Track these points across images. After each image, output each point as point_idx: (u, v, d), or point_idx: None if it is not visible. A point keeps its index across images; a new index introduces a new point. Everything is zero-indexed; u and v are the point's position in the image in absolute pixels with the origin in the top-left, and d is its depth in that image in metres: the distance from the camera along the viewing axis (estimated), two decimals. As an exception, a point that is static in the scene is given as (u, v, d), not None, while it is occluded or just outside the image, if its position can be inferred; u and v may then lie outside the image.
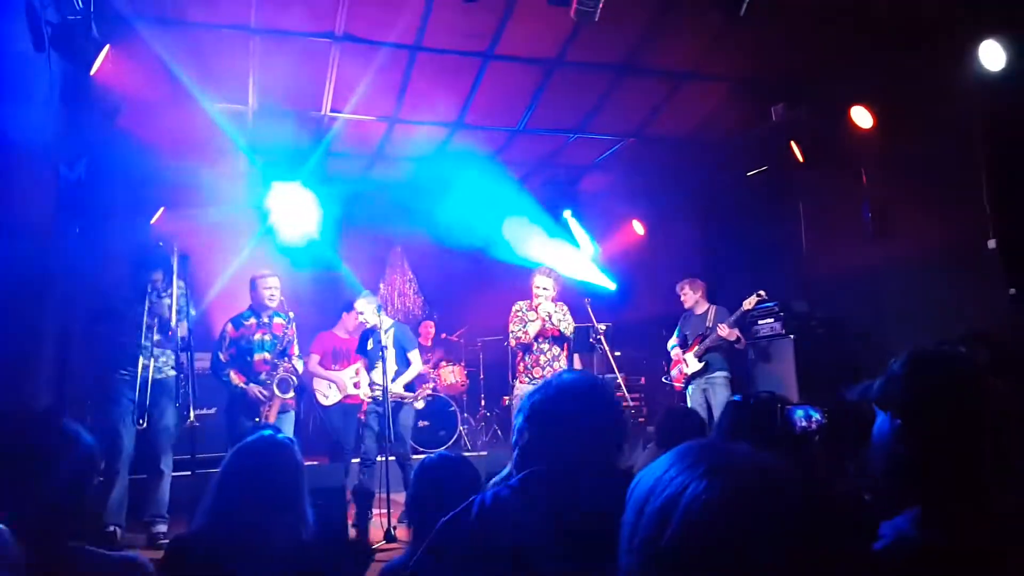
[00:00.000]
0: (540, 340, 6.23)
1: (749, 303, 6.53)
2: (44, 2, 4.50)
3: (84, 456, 1.79)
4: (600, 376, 2.52)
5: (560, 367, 6.20)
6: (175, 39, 5.90)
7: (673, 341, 7.16)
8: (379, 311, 6.27)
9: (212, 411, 6.56)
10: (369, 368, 6.35)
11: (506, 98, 7.24)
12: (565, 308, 6.38)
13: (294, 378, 5.62)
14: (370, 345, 6.30)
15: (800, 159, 6.78)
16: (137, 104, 5.85)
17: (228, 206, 7.72)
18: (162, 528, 5.07)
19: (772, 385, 6.71)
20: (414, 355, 6.50)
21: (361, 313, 6.34)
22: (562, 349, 6.33)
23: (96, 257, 5.17)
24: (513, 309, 6.35)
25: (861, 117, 6.13)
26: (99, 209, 5.65)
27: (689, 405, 6.75)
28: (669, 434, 3.38)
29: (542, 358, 6.21)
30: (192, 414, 5.25)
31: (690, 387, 6.85)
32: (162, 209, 7.16)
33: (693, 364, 6.78)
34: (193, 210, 7.48)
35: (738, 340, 6.62)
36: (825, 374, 6.03)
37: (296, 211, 7.95)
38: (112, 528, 4.83)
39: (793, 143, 6.81)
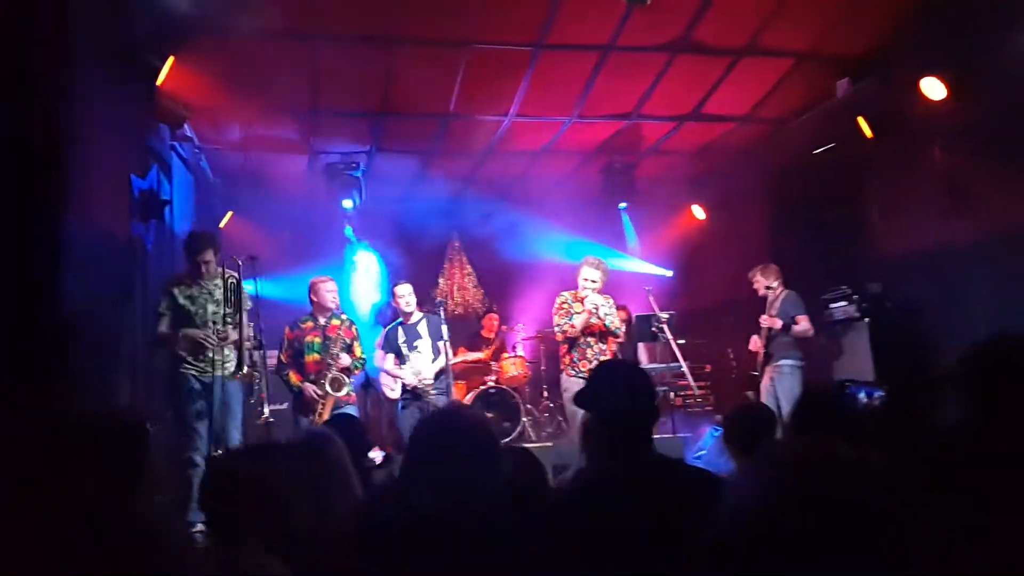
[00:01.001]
0: (586, 334, 6.11)
1: (838, 308, 6.38)
2: (113, 16, 4.63)
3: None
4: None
5: None
6: (237, 47, 6.01)
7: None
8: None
9: (284, 406, 6.71)
10: (403, 362, 6.34)
11: (559, 86, 7.18)
12: (611, 301, 6.25)
13: (345, 377, 5.73)
14: (402, 338, 6.31)
15: (869, 135, 6.54)
16: (202, 112, 5.99)
17: (294, 208, 7.86)
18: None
19: (847, 370, 6.54)
20: (444, 346, 6.46)
21: (402, 296, 6.32)
22: (606, 343, 6.20)
23: (165, 260, 5.30)
24: (558, 301, 6.23)
25: (932, 88, 5.87)
26: (169, 214, 5.80)
27: (763, 394, 6.61)
28: (737, 430, 3.31)
29: (589, 352, 6.08)
30: (267, 410, 5.41)
31: (764, 376, 6.70)
32: (230, 213, 7.32)
33: (762, 353, 6.65)
34: (260, 213, 7.64)
35: (788, 329, 6.39)
36: (903, 357, 5.83)
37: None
38: (199, 526, 4.94)
39: (861, 118, 6.57)
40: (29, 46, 3.45)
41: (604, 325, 6.07)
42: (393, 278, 7.90)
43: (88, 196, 3.97)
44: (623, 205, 9.39)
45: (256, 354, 5.69)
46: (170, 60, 5.07)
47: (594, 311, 5.97)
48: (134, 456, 2.46)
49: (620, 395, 2.36)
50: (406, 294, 6.32)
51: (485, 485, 1.81)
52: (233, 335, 5.12)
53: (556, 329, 6.17)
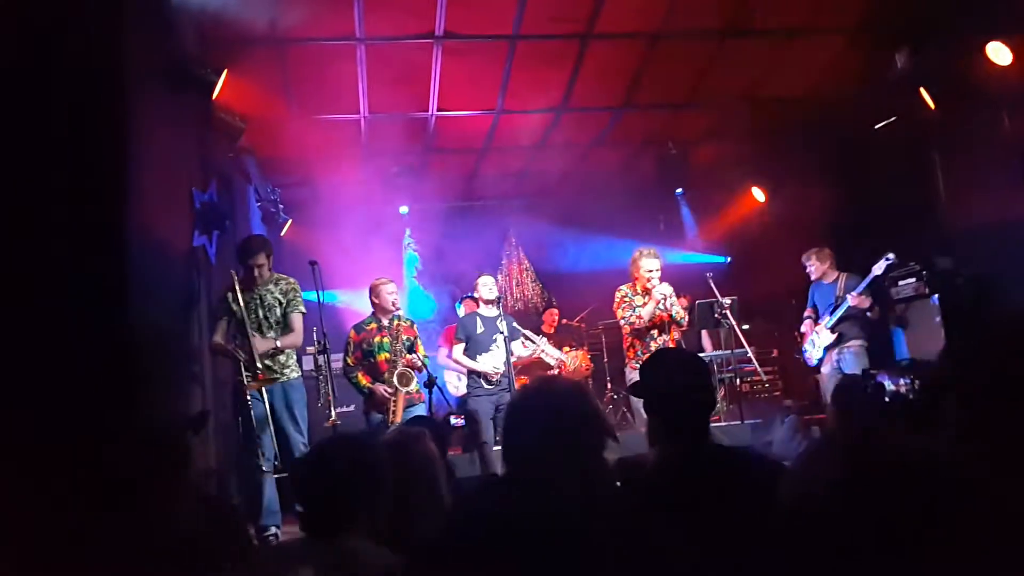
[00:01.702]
0: (650, 326, 6.06)
1: (879, 267, 6.18)
2: (167, 35, 4.80)
3: None
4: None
5: None
6: (287, 57, 6.17)
7: (808, 314, 6.85)
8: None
9: (351, 408, 6.82)
10: (480, 351, 6.30)
11: (609, 76, 7.13)
12: (670, 289, 6.20)
13: (412, 372, 5.74)
14: (480, 329, 6.30)
15: (931, 106, 6.30)
16: (257, 123, 6.15)
17: (352, 213, 7.99)
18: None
19: (918, 349, 6.33)
20: (516, 345, 6.48)
21: (485, 286, 6.31)
22: (669, 336, 6.14)
23: (227, 271, 5.43)
24: (617, 296, 6.20)
25: (998, 53, 5.62)
26: (231, 225, 5.96)
27: (825, 378, 6.46)
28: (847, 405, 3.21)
29: (652, 344, 6.03)
30: (333, 412, 5.50)
31: (825, 359, 6.54)
32: (290, 221, 7.50)
33: (826, 336, 6.47)
34: (320, 220, 7.80)
35: (871, 308, 6.26)
36: (976, 334, 5.60)
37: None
38: (273, 530, 5.07)
39: (922, 89, 6.34)
40: (89, 65, 3.60)
41: (670, 315, 6.04)
42: (444, 280, 7.98)
43: (151, 211, 4.12)
44: (679, 191, 9.27)
45: (320, 358, 5.80)
46: (224, 73, 5.21)
47: (662, 300, 5.95)
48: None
49: (671, 382, 2.34)
50: (490, 284, 6.34)
51: (592, 457, 1.81)
52: (264, 344, 5.15)
53: (622, 322, 6.15)
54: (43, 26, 3.50)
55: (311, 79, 6.48)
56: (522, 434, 1.85)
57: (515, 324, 6.55)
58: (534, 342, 6.57)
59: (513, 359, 6.34)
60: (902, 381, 2.53)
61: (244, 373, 5.04)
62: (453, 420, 5.87)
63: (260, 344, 5.10)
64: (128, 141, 3.81)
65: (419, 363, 5.82)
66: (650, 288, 6.00)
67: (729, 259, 9.89)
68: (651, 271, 6.02)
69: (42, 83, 3.43)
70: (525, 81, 6.90)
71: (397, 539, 2.07)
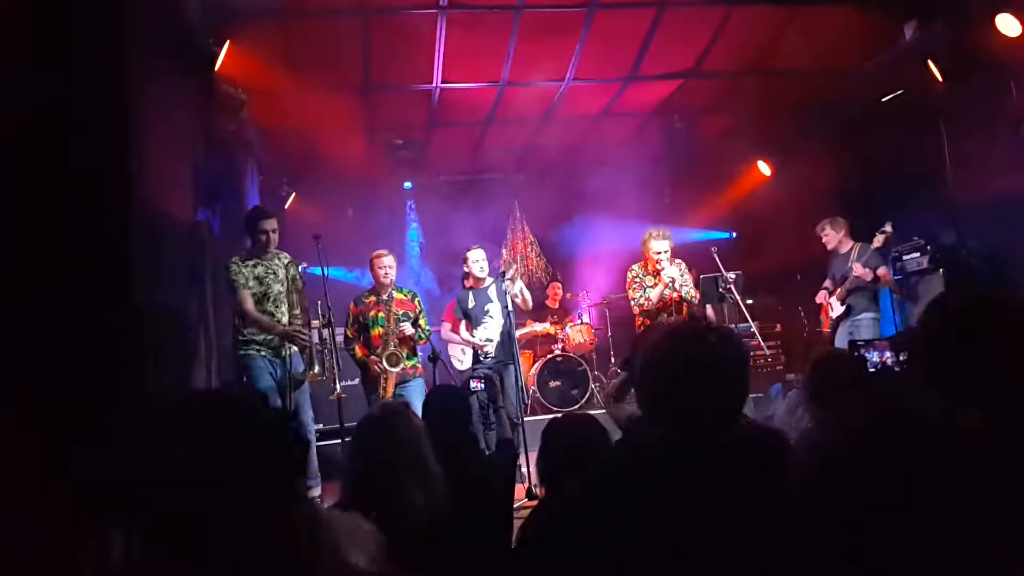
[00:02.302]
0: (661, 310, 6.08)
1: (878, 241, 6.20)
2: (170, 5, 4.76)
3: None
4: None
5: None
6: (290, 28, 6.12)
7: (827, 284, 6.85)
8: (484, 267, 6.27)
9: (356, 382, 6.86)
10: (474, 326, 6.27)
11: (615, 47, 7.06)
12: (683, 266, 6.20)
13: (401, 354, 5.71)
14: (471, 303, 6.28)
15: (939, 79, 6.24)
16: (260, 95, 6.12)
17: (356, 187, 7.98)
18: (316, 492, 5.37)
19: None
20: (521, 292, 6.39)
21: (476, 262, 6.21)
22: (682, 313, 6.15)
23: (232, 244, 5.44)
24: (629, 276, 6.23)
25: (1008, 24, 5.56)
26: (233, 198, 5.97)
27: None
28: (823, 384, 3.19)
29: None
30: (338, 386, 5.54)
31: (838, 331, 6.56)
32: (294, 195, 7.49)
33: (837, 308, 6.49)
34: (323, 194, 7.79)
35: (876, 279, 6.27)
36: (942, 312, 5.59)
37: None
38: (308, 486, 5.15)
39: (930, 62, 6.27)
40: (91, 34, 3.57)
41: (680, 295, 6.05)
42: (448, 254, 7.93)
43: (153, 183, 4.12)
44: None
45: (325, 332, 5.84)
46: (227, 45, 5.18)
47: (670, 283, 5.97)
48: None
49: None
50: (480, 259, 6.27)
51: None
52: (302, 333, 5.19)
53: (632, 303, 6.19)
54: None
55: (314, 51, 6.43)
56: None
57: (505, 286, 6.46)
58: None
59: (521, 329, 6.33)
60: (887, 354, 2.54)
61: (264, 344, 5.09)
62: (473, 384, 5.90)
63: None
64: (129, 113, 3.80)
65: (417, 336, 5.83)
66: (660, 270, 6.02)
67: (735, 234, 9.86)
68: (659, 253, 6.03)
69: (42, 52, 3.41)
70: (530, 52, 6.83)
71: (384, 515, 2.08)
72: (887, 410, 0.97)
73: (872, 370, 2.56)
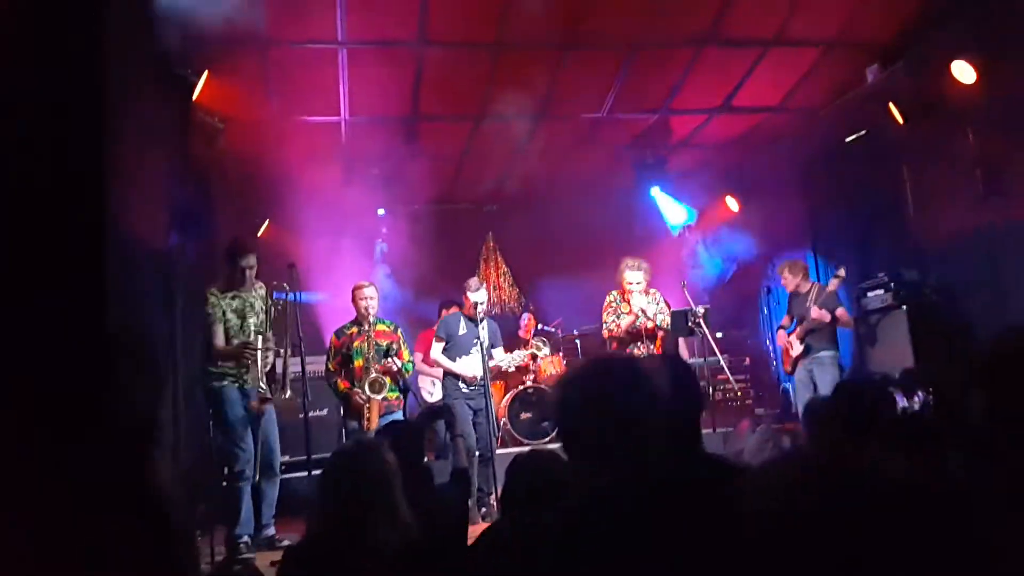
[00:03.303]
0: (633, 339, 6.14)
1: (833, 284, 6.38)
2: (149, 34, 4.79)
3: None
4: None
5: None
6: (269, 59, 6.18)
7: (784, 322, 6.99)
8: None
9: (324, 412, 6.81)
10: (460, 354, 6.25)
11: (589, 84, 7.21)
12: (658, 296, 6.27)
13: (385, 379, 5.67)
14: (462, 330, 6.25)
15: (900, 121, 6.47)
16: (238, 124, 6.15)
17: (331, 215, 8.00)
18: (272, 531, 5.25)
19: (887, 360, 6.46)
20: (498, 352, 6.49)
21: (481, 303, 6.15)
22: (654, 344, 6.23)
23: (204, 270, 5.42)
24: (607, 300, 6.31)
25: (963, 71, 5.79)
26: (207, 227, 5.95)
27: (797, 387, 6.58)
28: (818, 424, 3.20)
29: (635, 352, 6.15)
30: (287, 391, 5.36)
31: (797, 369, 6.68)
32: (268, 222, 7.50)
33: (796, 347, 6.62)
34: (298, 221, 7.80)
35: (834, 320, 6.41)
36: (943, 346, 5.75)
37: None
38: (245, 539, 5.02)
39: (891, 104, 6.50)
40: (66, 60, 3.60)
41: (656, 324, 6.12)
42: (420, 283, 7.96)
43: (127, 209, 4.12)
44: (654, 188, 9.31)
45: (295, 359, 5.78)
46: (205, 74, 5.23)
47: (640, 314, 6.03)
48: None
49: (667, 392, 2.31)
50: (483, 300, 6.18)
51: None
52: (271, 359, 5.12)
53: (604, 327, 6.25)
54: (21, 20, 3.50)
55: (292, 81, 6.49)
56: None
57: (497, 332, 6.54)
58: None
59: (497, 363, 6.37)
60: (918, 397, 2.48)
61: (235, 374, 5.04)
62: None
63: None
64: (105, 139, 3.82)
65: (395, 367, 5.75)
66: (627, 300, 6.11)
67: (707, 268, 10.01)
68: (631, 283, 6.12)
69: (17, 77, 3.43)
70: (506, 87, 6.95)
71: (352, 548, 2.08)
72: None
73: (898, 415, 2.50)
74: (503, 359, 6.47)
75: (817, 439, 2.94)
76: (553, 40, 6.45)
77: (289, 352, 5.40)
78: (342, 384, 5.73)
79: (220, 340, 5.08)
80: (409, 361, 5.99)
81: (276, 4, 5.44)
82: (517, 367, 6.96)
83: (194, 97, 5.21)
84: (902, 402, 2.67)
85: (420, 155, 8.28)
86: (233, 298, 5.15)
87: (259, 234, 7.48)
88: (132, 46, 4.48)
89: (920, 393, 2.64)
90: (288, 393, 5.22)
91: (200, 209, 5.63)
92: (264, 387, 5.08)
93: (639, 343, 6.18)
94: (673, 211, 9.31)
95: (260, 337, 5.14)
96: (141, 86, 4.72)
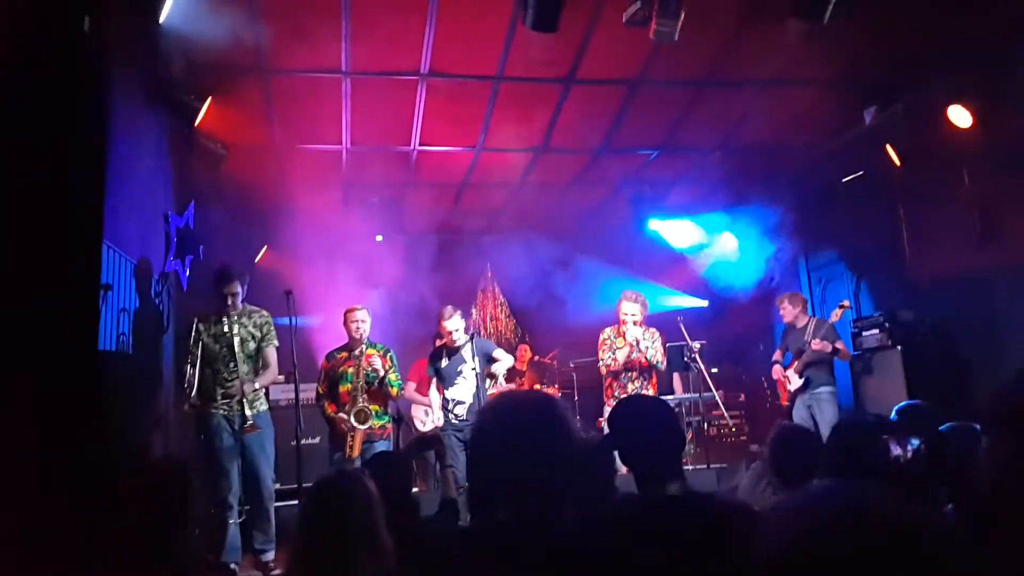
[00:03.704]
0: (628, 370, 6.15)
1: (836, 315, 6.40)
2: (153, 60, 4.86)
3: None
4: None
5: None
6: (273, 86, 6.24)
7: (776, 356, 6.99)
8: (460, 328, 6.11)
9: (316, 440, 6.77)
10: (447, 386, 6.14)
11: (589, 120, 7.27)
12: (655, 334, 6.28)
13: (372, 409, 5.61)
14: (444, 362, 6.15)
15: (897, 162, 6.53)
16: (240, 150, 6.19)
17: (330, 241, 8.02)
18: (270, 556, 5.23)
19: (881, 399, 6.46)
20: (499, 352, 6.34)
21: (456, 330, 6.05)
22: (648, 379, 6.23)
23: (201, 295, 5.42)
24: (601, 337, 6.32)
25: (959, 116, 5.86)
26: (206, 252, 5.96)
27: (795, 422, 6.55)
28: (782, 457, 3.22)
29: (630, 386, 6.14)
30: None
31: (796, 404, 6.66)
32: (265, 247, 7.51)
33: (795, 381, 6.61)
34: (296, 247, 7.82)
35: (835, 352, 6.42)
36: (937, 386, 5.75)
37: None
38: (233, 567, 4.99)
39: (888, 146, 6.56)
40: (72, 86, 3.63)
41: (647, 359, 6.12)
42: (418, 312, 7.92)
43: (126, 233, 4.14)
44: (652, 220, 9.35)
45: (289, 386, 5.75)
46: (208, 100, 5.28)
47: (635, 344, 6.04)
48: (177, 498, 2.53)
49: (645, 431, 2.32)
50: (458, 327, 6.07)
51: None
52: (249, 387, 5.09)
53: (600, 364, 6.25)
54: (28, 44, 3.54)
55: (295, 109, 6.55)
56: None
57: (488, 345, 6.38)
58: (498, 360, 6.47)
59: (496, 389, 6.32)
60: (910, 443, 2.47)
61: (222, 404, 5.02)
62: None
63: (247, 387, 5.06)
64: (108, 163, 3.84)
65: (389, 383, 5.69)
66: (623, 332, 6.12)
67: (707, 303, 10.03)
68: (627, 314, 6.13)
69: (24, 100, 3.46)
70: (507, 120, 7.01)
71: None
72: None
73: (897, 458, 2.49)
74: (500, 367, 6.33)
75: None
76: (554, 75, 6.51)
77: (283, 379, 5.38)
78: (329, 408, 5.70)
79: (190, 372, 5.07)
80: (398, 381, 5.93)
81: (282, 33, 5.51)
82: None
83: (197, 123, 5.25)
84: (896, 450, 2.65)
85: (420, 184, 8.35)
86: (216, 323, 5.13)
87: (257, 260, 7.48)
88: (136, 71, 4.53)
89: (913, 441, 2.63)
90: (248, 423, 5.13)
91: (199, 234, 5.64)
92: (251, 413, 5.05)
93: (632, 375, 6.16)
94: (684, 233, 9.27)
95: (246, 364, 5.12)
96: (145, 111, 4.78)
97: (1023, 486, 1.46)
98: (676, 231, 9.30)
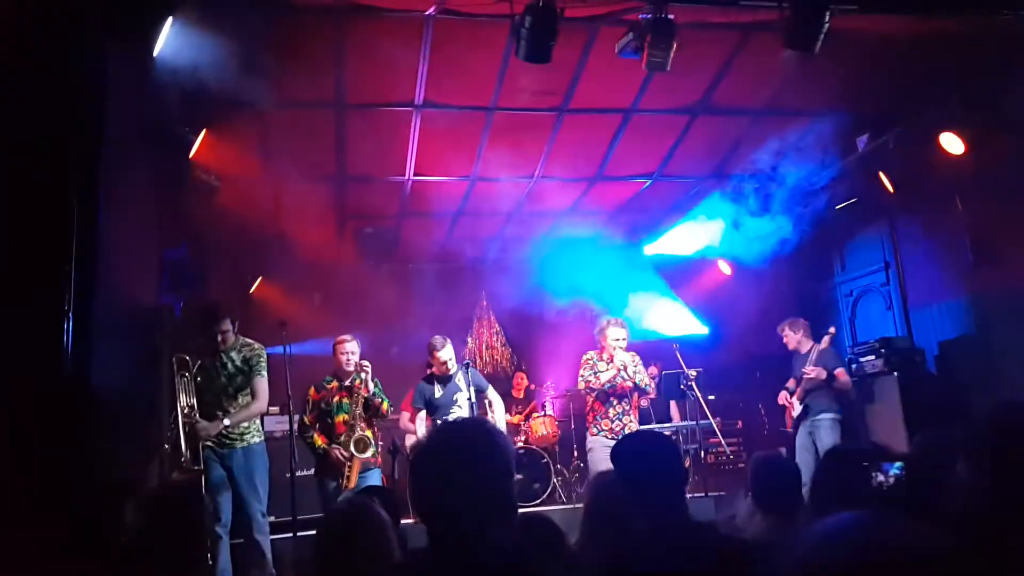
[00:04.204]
0: (611, 395, 6.12)
1: (825, 342, 6.38)
2: (147, 93, 4.86)
3: None
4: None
5: (629, 422, 6.08)
6: (267, 119, 6.25)
7: (790, 384, 6.93)
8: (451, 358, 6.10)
9: (311, 472, 6.68)
10: (441, 415, 6.05)
11: (583, 148, 7.31)
12: (638, 359, 6.28)
13: (370, 438, 5.57)
14: (438, 393, 6.10)
15: (890, 190, 6.56)
16: (234, 182, 6.19)
17: (325, 273, 8.01)
18: None
19: (880, 425, 6.44)
20: (493, 393, 6.32)
21: (448, 360, 6.03)
22: (631, 404, 6.19)
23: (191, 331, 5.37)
24: (584, 358, 6.29)
25: (951, 143, 5.91)
26: (200, 283, 5.94)
27: (797, 449, 6.51)
28: (761, 490, 3.22)
29: (611, 411, 6.09)
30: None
31: (799, 430, 6.62)
32: (260, 279, 7.49)
33: (797, 407, 6.58)
34: (291, 279, 7.80)
35: (833, 378, 6.38)
36: (933, 411, 5.74)
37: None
38: None
39: (881, 173, 6.60)
40: (67, 120, 3.64)
41: (635, 383, 6.09)
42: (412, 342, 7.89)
43: (120, 267, 4.12)
44: (646, 245, 9.33)
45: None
46: (203, 133, 5.28)
47: (622, 368, 6.01)
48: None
49: (650, 468, 2.36)
50: (450, 357, 6.04)
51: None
52: (214, 428, 4.99)
53: (580, 380, 6.21)
54: (25, 77, 3.55)
55: (290, 141, 6.56)
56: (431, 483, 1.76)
57: (478, 376, 6.34)
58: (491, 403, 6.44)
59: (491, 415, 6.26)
60: (891, 470, 2.49)
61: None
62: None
63: (211, 428, 4.97)
64: (102, 195, 3.84)
65: (384, 405, 5.65)
66: (611, 357, 6.09)
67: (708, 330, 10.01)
68: (617, 339, 6.10)
69: (21, 132, 3.47)
70: (501, 150, 7.04)
71: None
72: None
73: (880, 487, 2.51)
74: (498, 418, 6.32)
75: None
76: (548, 104, 6.55)
77: (277, 411, 5.31)
78: (319, 439, 5.60)
79: (180, 401, 5.01)
80: (387, 413, 5.86)
81: (276, 65, 5.53)
82: (508, 424, 6.84)
83: (191, 155, 5.25)
84: (877, 477, 2.66)
85: (415, 215, 8.35)
86: (205, 358, 5.09)
87: (251, 291, 7.45)
88: (131, 104, 4.54)
89: (894, 466, 2.63)
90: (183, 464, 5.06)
91: (192, 267, 5.62)
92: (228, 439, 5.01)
93: (613, 400, 6.13)
94: (692, 237, 9.23)
95: (236, 399, 5.09)
96: (139, 144, 4.78)
97: (999, 512, 1.46)
98: (678, 238, 9.22)
